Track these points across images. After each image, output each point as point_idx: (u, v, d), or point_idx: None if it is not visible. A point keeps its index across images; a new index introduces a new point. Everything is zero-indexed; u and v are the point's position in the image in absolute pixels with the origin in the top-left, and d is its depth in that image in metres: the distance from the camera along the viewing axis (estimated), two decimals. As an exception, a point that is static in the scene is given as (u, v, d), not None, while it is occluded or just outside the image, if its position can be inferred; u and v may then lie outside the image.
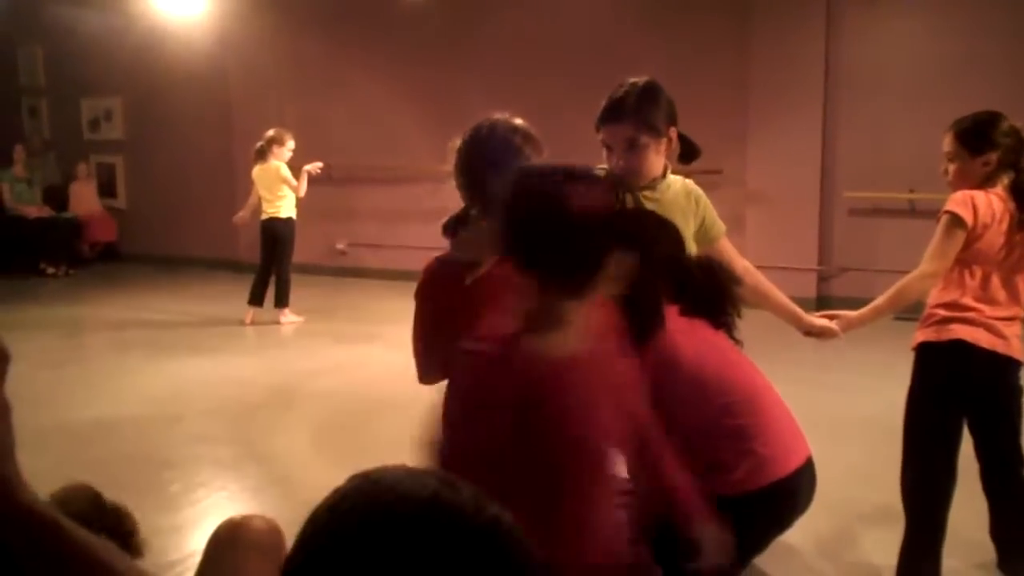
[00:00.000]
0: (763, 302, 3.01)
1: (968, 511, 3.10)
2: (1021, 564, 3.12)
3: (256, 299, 8.21)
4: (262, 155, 8.05)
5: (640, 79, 2.71)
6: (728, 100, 8.96)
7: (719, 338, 2.43)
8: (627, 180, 2.64)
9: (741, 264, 2.98)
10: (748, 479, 2.25)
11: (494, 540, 0.87)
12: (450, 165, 2.42)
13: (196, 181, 11.86)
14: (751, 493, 2.24)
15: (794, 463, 2.30)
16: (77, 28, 11.60)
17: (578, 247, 1.72)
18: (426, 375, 2.38)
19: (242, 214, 8.55)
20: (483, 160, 2.32)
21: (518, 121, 2.38)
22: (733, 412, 2.29)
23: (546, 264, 1.73)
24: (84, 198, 12.26)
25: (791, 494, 2.30)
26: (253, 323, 8.16)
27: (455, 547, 0.84)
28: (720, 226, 2.92)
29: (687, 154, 2.80)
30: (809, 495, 2.37)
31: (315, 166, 8.19)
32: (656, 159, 2.71)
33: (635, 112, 2.64)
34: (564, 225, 1.71)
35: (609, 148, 2.69)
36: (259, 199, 8.19)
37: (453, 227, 2.36)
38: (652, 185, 2.72)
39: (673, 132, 2.68)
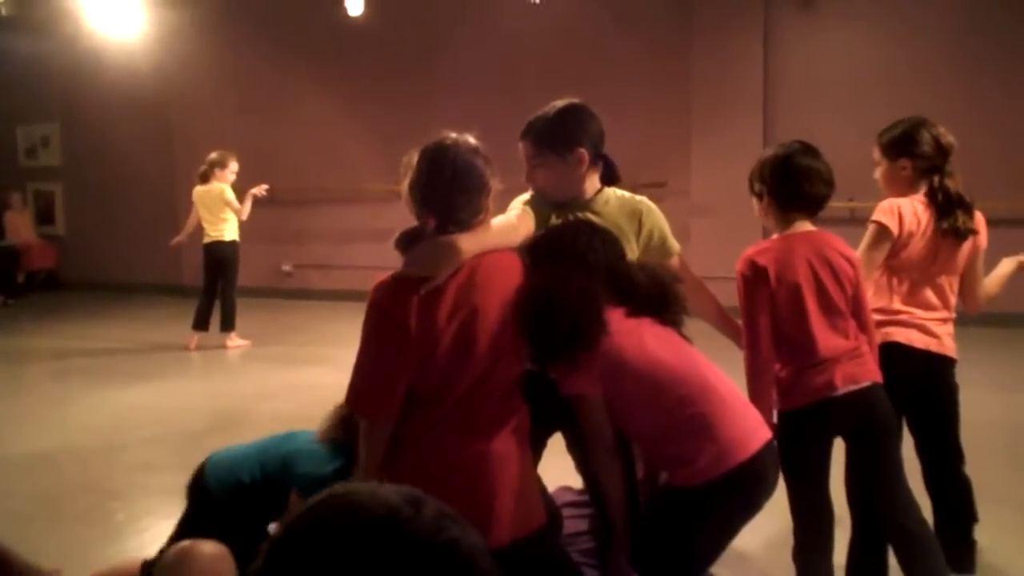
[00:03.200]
0: (710, 318, 3.06)
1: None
2: (965, 558, 3.20)
3: (201, 324, 8.09)
4: (205, 178, 7.94)
5: (564, 101, 2.77)
6: (670, 114, 9.09)
7: (667, 333, 2.47)
8: (543, 194, 2.71)
9: (695, 281, 3.04)
10: (713, 466, 2.28)
11: (445, 562, 0.86)
12: (403, 181, 2.41)
13: (137, 206, 11.69)
14: (717, 479, 2.27)
15: (755, 445, 2.34)
16: (11, 53, 11.37)
17: None
18: (360, 401, 2.31)
19: (179, 238, 8.43)
20: (447, 180, 2.33)
21: (474, 141, 2.41)
22: (689, 402, 2.33)
23: None
24: (19, 228, 12.01)
25: (757, 476, 2.34)
26: (198, 348, 8.03)
27: (404, 564, 0.84)
28: (672, 245, 2.95)
29: (606, 177, 2.85)
30: (775, 476, 2.42)
31: (260, 189, 8.09)
32: (567, 177, 2.74)
33: (536, 132, 2.73)
34: None
35: None
36: (198, 221, 8.08)
37: (407, 242, 2.36)
38: (582, 205, 2.76)
39: (583, 153, 2.70)
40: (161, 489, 4.51)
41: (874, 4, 8.51)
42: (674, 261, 2.96)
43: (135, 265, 11.80)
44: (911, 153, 3.11)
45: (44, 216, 12.52)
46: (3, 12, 9.40)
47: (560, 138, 2.70)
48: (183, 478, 4.66)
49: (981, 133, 7.03)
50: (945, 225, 3.06)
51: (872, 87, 8.35)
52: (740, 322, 2.85)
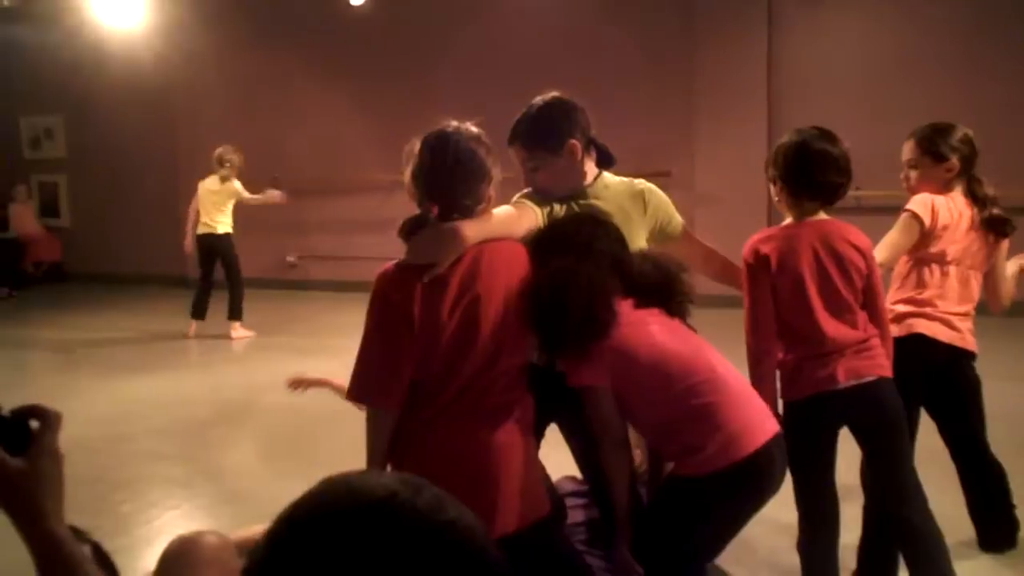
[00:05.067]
0: (726, 280, 3.09)
1: (947, 493, 3.22)
2: (1000, 539, 3.32)
3: (199, 313, 8.13)
4: (224, 177, 8.02)
5: (544, 97, 2.77)
6: (674, 104, 9.06)
7: (675, 324, 2.47)
8: (546, 193, 2.70)
9: (704, 250, 3.09)
10: (720, 455, 2.28)
11: (446, 540, 0.87)
12: (405, 170, 2.42)
13: (141, 198, 11.69)
14: (725, 469, 2.27)
15: (763, 438, 2.33)
16: (14, 45, 11.37)
17: None
18: (365, 389, 2.32)
19: (188, 240, 8.36)
20: (449, 168, 2.34)
21: (475, 129, 2.41)
22: (697, 392, 2.32)
23: None
24: (24, 220, 12.03)
25: (764, 469, 2.33)
26: (199, 337, 8.06)
27: (406, 545, 0.85)
28: (678, 220, 2.98)
29: (602, 161, 2.85)
30: (782, 470, 2.41)
31: (277, 194, 8.14)
32: (566, 171, 2.73)
33: (523, 135, 2.72)
34: None
35: None
36: (197, 214, 8.09)
37: (410, 230, 2.36)
38: (581, 194, 2.76)
39: (574, 145, 2.70)
40: (167, 480, 4.53)
41: (878, -6, 8.49)
42: (685, 235, 3.00)
43: (139, 257, 11.82)
44: (952, 152, 3.15)
45: (48, 208, 12.53)
46: (6, 3, 9.40)
47: (549, 135, 2.69)
48: (189, 469, 4.70)
49: (988, 123, 6.99)
50: (994, 211, 3.15)
51: (877, 76, 8.33)
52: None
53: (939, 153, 3.17)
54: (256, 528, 3.45)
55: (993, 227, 3.16)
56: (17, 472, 1.17)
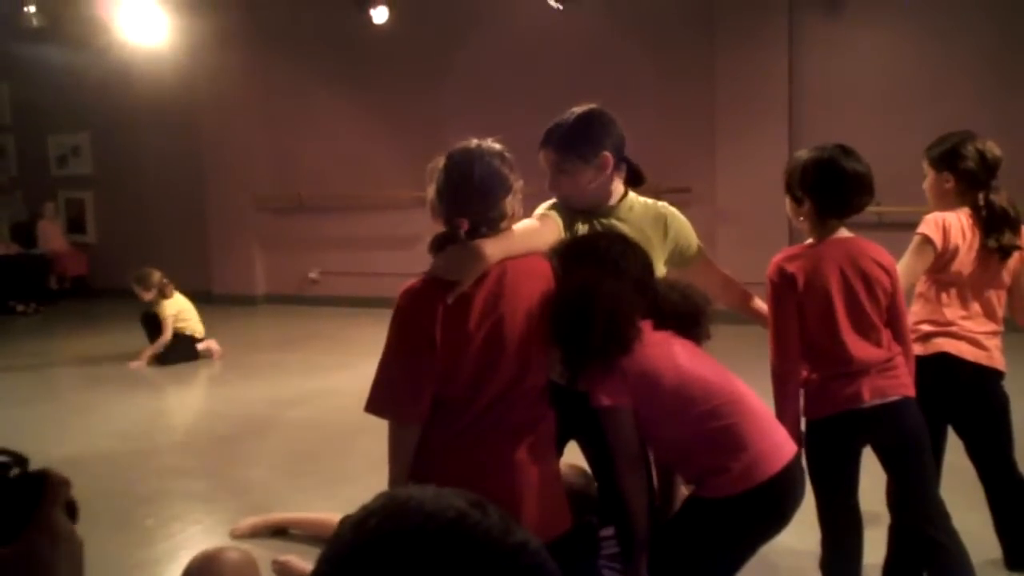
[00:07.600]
0: (743, 311, 3.08)
1: (974, 511, 3.19)
2: None
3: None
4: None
5: (583, 107, 2.76)
6: (695, 120, 9.06)
7: (694, 347, 2.46)
8: (569, 202, 2.71)
9: (722, 277, 3.07)
10: (744, 477, 2.28)
11: (519, 564, 0.86)
12: (429, 187, 2.44)
13: (167, 214, 11.78)
14: (748, 492, 2.26)
15: (784, 459, 2.33)
16: (42, 64, 11.52)
17: None
18: (382, 403, 2.32)
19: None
20: (474, 183, 2.36)
21: (498, 146, 2.43)
22: (719, 415, 2.32)
23: None
24: (51, 236, 12.15)
25: (786, 490, 2.34)
26: (222, 356, 8.11)
27: (478, 569, 0.84)
28: (697, 246, 2.96)
29: (632, 180, 2.84)
30: (802, 490, 2.41)
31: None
32: (593, 182, 2.72)
33: (559, 139, 2.70)
34: None
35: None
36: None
37: (439, 246, 2.37)
38: (606, 212, 2.76)
39: (607, 157, 2.68)
40: (190, 495, 4.56)
41: (899, 9, 8.45)
42: (702, 260, 2.98)
43: (164, 272, 11.87)
44: (955, 168, 3.09)
45: (75, 224, 12.65)
46: (35, 23, 9.52)
47: (584, 143, 2.68)
48: (211, 483, 4.73)
49: (1010, 140, 6.96)
50: (991, 243, 3.06)
51: (898, 92, 8.29)
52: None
53: (937, 164, 3.14)
54: (317, 516, 3.39)
55: (994, 253, 3.08)
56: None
